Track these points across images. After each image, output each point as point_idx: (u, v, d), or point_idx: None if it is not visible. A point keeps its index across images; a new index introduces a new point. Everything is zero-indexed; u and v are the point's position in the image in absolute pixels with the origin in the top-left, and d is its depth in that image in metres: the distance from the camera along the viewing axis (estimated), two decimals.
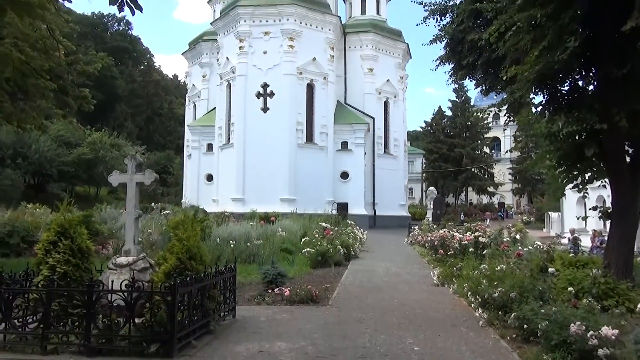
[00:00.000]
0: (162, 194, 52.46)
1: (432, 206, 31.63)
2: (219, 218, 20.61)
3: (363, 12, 41.63)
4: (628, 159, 7.69)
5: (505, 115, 10.66)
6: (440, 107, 64.47)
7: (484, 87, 10.49)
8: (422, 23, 11.07)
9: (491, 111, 9.52)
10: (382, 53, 39.54)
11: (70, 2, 11.60)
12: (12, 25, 10.61)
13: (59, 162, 38.25)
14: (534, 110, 8.29)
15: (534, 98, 8.39)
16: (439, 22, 10.93)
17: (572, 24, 6.48)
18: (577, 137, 7.93)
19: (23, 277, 6.07)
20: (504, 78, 7.49)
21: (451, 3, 10.77)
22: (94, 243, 8.76)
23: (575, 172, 8.26)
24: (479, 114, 52.14)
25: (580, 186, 8.48)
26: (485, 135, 61.79)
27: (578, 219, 13.98)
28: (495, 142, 71.08)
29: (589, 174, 8.34)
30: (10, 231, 13.77)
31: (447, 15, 10.84)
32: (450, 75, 11.02)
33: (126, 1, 3.66)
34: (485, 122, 58.75)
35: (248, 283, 10.71)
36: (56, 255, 5.86)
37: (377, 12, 41.64)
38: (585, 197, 10.69)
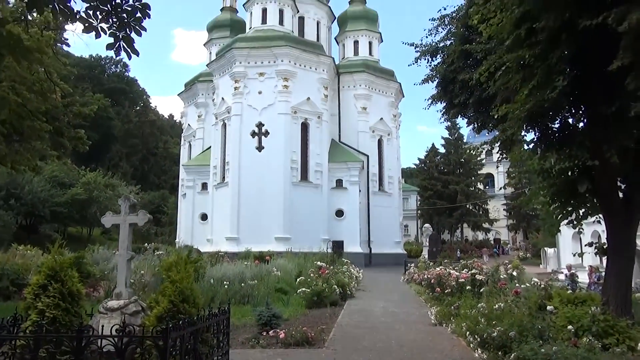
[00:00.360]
0: (155, 234, 51.99)
1: (427, 243, 31.46)
2: (213, 258, 20.37)
3: (356, 53, 42.62)
4: (621, 195, 7.73)
5: (497, 152, 10.79)
6: (433, 144, 65.18)
7: (476, 125, 10.65)
8: (413, 64, 11.35)
9: (484, 148, 9.63)
10: (375, 92, 40.25)
11: (69, 46, 11.82)
12: (9, 68, 10.75)
13: (52, 203, 37.97)
14: (526, 147, 8.37)
15: (526, 135, 8.51)
16: (430, 63, 11.21)
17: (560, 63, 6.65)
18: (569, 174, 8.00)
19: (10, 323, 5.89)
20: (496, 116, 7.60)
21: (441, 45, 11.08)
22: (85, 285, 8.59)
23: (570, 208, 8.29)
24: (472, 151, 52.70)
25: (575, 222, 8.48)
26: (479, 172, 62.22)
27: (574, 255, 13.92)
28: (489, 179, 71.52)
29: (583, 210, 8.36)
30: (0, 274, 13.51)
31: (438, 56, 11.13)
32: (442, 114, 11.22)
33: (123, 46, 3.73)
34: (479, 158, 59.31)
35: (242, 325, 10.47)
36: (45, 299, 5.72)
37: (370, 53, 42.63)
38: (581, 232, 10.69)
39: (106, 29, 3.72)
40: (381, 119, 40.16)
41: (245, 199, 32.50)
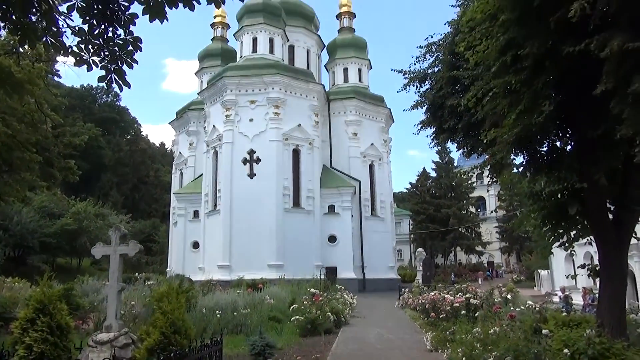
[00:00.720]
0: (146, 263, 51.33)
1: (421, 268, 31.31)
2: (205, 287, 20.12)
3: (346, 80, 43.19)
4: (611, 216, 7.79)
5: (488, 175, 10.88)
6: (424, 168, 65.66)
7: (465, 150, 10.74)
8: (402, 90, 11.48)
9: (474, 172, 9.71)
10: (365, 118, 40.64)
11: (60, 77, 11.87)
12: (0, 100, 10.77)
13: (41, 234, 37.46)
14: (515, 170, 8.45)
15: (515, 159, 8.60)
16: (419, 89, 11.36)
17: (545, 89, 6.78)
18: (559, 196, 8.07)
19: None
20: (484, 141, 7.69)
21: (430, 71, 11.26)
22: (74, 318, 8.42)
23: (561, 231, 8.32)
24: (462, 175, 53.10)
25: (567, 244, 8.51)
26: (470, 195, 62.56)
27: (567, 277, 13.91)
28: (481, 202, 71.86)
29: (574, 232, 8.40)
30: None
31: (427, 82, 11.29)
32: (432, 139, 11.31)
33: (114, 78, 3.75)
34: (470, 182, 59.69)
35: (235, 355, 10.28)
36: (33, 333, 5.61)
37: (359, 80, 43.22)
38: (573, 254, 10.72)
39: (98, 62, 3.75)
40: (372, 144, 40.44)
41: (237, 226, 32.32)
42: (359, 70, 43.73)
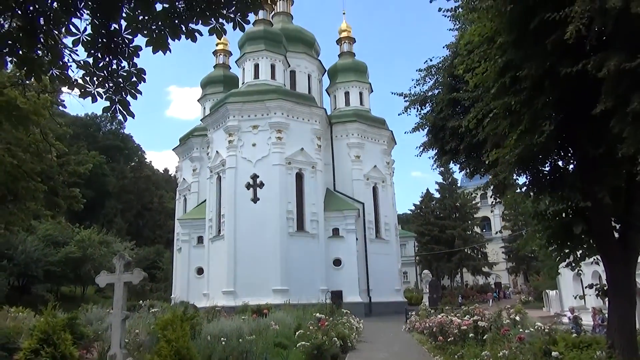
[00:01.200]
0: (150, 290, 50.94)
1: (428, 290, 31.02)
2: (209, 313, 19.92)
3: (347, 103, 43.56)
4: (617, 235, 7.75)
5: (491, 196, 10.87)
6: (428, 189, 65.58)
7: (468, 171, 10.77)
8: (403, 113, 11.58)
9: (477, 193, 9.70)
10: (367, 141, 40.84)
11: (65, 107, 12.03)
12: (6, 131, 10.90)
13: (45, 263, 37.35)
14: (518, 191, 8.45)
15: (517, 179, 8.61)
16: (420, 111, 11.46)
17: (545, 108, 6.83)
18: (564, 215, 8.04)
19: None
20: (487, 162, 7.72)
21: (430, 94, 11.37)
22: (78, 347, 8.35)
23: (567, 250, 8.27)
24: (467, 196, 53.00)
25: (574, 264, 8.44)
26: (475, 216, 62.29)
27: (576, 297, 13.73)
28: (485, 222, 71.51)
29: (581, 251, 8.34)
30: None
31: (427, 104, 11.39)
32: (434, 161, 11.35)
33: (118, 109, 3.82)
34: (474, 202, 59.51)
35: None
36: None
37: (361, 103, 43.58)
38: (580, 274, 10.61)
39: (102, 94, 3.82)
40: (375, 166, 40.53)
41: (242, 251, 32.21)
42: (360, 93, 44.13)
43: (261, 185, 33.56)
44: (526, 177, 7.91)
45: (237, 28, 3.81)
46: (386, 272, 38.43)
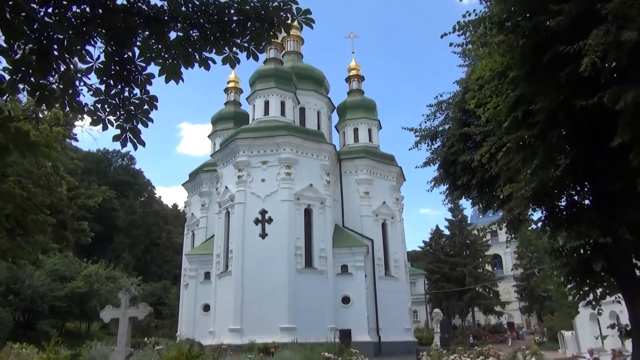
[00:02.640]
0: (156, 327, 50.19)
1: (439, 329, 30.15)
2: (215, 352, 19.45)
3: (356, 140, 43.75)
4: (638, 273, 7.48)
5: (506, 232, 10.65)
6: (437, 226, 64.89)
7: (480, 206, 10.61)
8: (414, 148, 11.55)
9: (491, 229, 9.47)
10: (376, 177, 40.75)
11: (77, 140, 12.11)
12: (17, 163, 10.97)
13: (51, 298, 37.06)
14: (534, 226, 8.25)
15: (532, 214, 8.43)
16: (430, 147, 11.42)
17: (560, 142, 6.73)
18: (582, 252, 7.80)
19: None
20: (501, 197, 7.58)
21: (440, 129, 11.36)
22: None
23: (586, 288, 7.98)
24: (480, 232, 52.35)
25: (594, 303, 8.13)
26: (486, 253, 61.33)
27: (597, 338, 13.23)
28: (497, 260, 70.39)
29: (600, 289, 8.05)
30: None
31: (438, 139, 11.37)
32: (446, 196, 11.22)
33: (129, 137, 3.77)
34: (485, 239, 58.68)
35: None
36: None
37: (370, 140, 43.75)
38: (601, 313, 10.22)
39: (113, 122, 3.79)
40: (384, 202, 40.27)
41: (249, 287, 31.74)
42: (369, 130, 44.37)
43: (270, 220, 33.37)
44: (542, 213, 7.74)
45: (251, 57, 3.80)
46: (396, 310, 37.58)
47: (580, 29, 5.75)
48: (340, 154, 40.76)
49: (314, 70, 46.34)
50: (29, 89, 3.34)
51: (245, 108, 44.50)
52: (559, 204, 7.70)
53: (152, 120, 3.80)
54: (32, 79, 3.25)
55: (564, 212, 7.58)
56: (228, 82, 48.79)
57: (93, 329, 47.89)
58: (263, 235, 33.21)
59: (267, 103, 38.17)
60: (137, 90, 3.72)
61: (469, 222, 61.69)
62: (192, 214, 44.25)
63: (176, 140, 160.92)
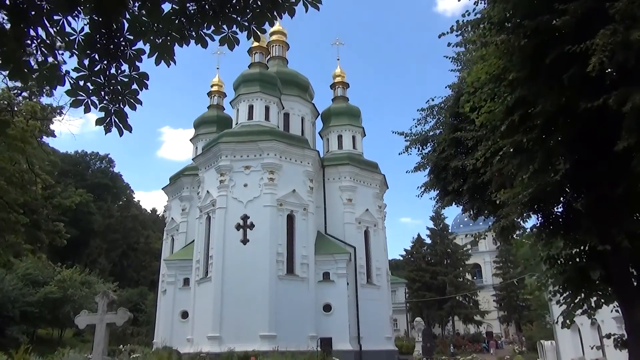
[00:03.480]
0: (132, 334, 49.03)
1: (421, 338, 30.01)
2: None
3: (340, 146, 43.58)
4: (635, 282, 7.34)
5: (493, 240, 10.49)
6: (419, 234, 65.14)
7: (471, 212, 10.44)
8: (404, 152, 11.35)
9: (482, 237, 9.25)
10: (360, 184, 40.58)
11: (55, 136, 11.53)
12: None
13: (22, 303, 35.78)
14: (528, 233, 8.07)
15: (526, 221, 8.25)
16: (421, 151, 11.23)
17: (560, 146, 6.57)
18: (578, 260, 7.64)
19: None
20: (497, 202, 7.38)
21: (431, 133, 11.18)
22: None
23: (582, 297, 7.82)
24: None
25: (590, 312, 7.96)
26: (466, 262, 61.64)
27: (592, 348, 13.14)
28: (476, 269, 70.87)
29: (595, 298, 7.89)
30: None
31: (428, 144, 11.19)
32: (436, 202, 11.03)
33: (114, 120, 3.39)
34: (465, 249, 59.00)
35: None
36: None
37: (354, 147, 43.62)
38: (597, 322, 10.07)
39: (97, 103, 3.41)
40: (367, 210, 40.10)
41: (229, 294, 31.10)
42: (353, 137, 44.24)
43: (251, 226, 32.85)
44: (537, 219, 7.55)
45: (252, 38, 3.48)
46: (377, 319, 37.28)
47: (585, 29, 5.60)
48: (324, 160, 40.51)
49: (299, 76, 46.13)
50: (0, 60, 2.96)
51: (229, 112, 44.01)
52: (556, 210, 7.54)
53: (140, 103, 3.42)
54: (3, 48, 2.87)
55: (560, 219, 7.42)
56: (212, 86, 48.24)
57: (66, 335, 46.51)
58: (244, 241, 32.67)
59: (251, 107, 37.74)
60: (125, 67, 3.36)
61: (450, 231, 61.97)
62: (172, 218, 43.39)
63: (157, 145, 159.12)
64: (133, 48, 3.29)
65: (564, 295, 7.84)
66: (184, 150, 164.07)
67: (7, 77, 3.29)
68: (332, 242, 36.84)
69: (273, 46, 47.22)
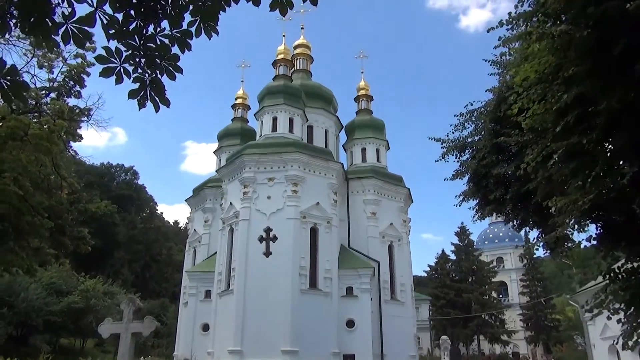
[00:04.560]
0: (152, 346, 48.83)
1: (447, 357, 28.96)
2: None
3: (364, 159, 43.08)
4: None
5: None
6: (443, 250, 63.77)
7: (515, 223, 9.81)
8: (440, 160, 10.81)
9: (538, 247, 8.58)
10: (384, 198, 39.92)
11: (82, 138, 11.23)
12: (14, 160, 10.17)
13: (46, 312, 35.87)
14: (585, 244, 7.42)
15: (583, 232, 7.60)
16: (459, 158, 10.68)
17: (624, 149, 5.97)
18: None
19: None
20: (546, 211, 6.79)
21: (470, 140, 10.63)
22: None
23: None
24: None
25: None
26: (492, 280, 60.01)
27: None
28: (502, 287, 69.04)
29: None
30: None
31: (467, 151, 10.63)
32: (475, 211, 10.42)
33: (149, 93, 2.95)
34: (491, 266, 57.47)
35: None
36: None
37: (377, 160, 43.07)
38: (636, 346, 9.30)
39: (130, 71, 2.99)
40: (391, 224, 39.35)
41: (251, 307, 30.61)
42: (377, 150, 43.73)
43: (274, 239, 32.42)
44: (596, 228, 6.91)
45: (309, 1, 3.04)
46: (401, 336, 36.26)
47: None
48: (347, 173, 40.01)
49: (323, 88, 45.96)
50: (18, 16, 2.56)
51: (253, 125, 44.00)
52: (616, 218, 6.90)
53: (181, 70, 2.94)
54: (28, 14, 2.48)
55: (622, 228, 6.77)
56: (236, 98, 48.44)
57: (88, 345, 46.57)
58: (267, 253, 32.23)
59: (275, 119, 37.60)
60: (165, 24, 2.89)
61: (475, 247, 60.53)
62: (194, 230, 43.31)
63: (180, 159, 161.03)
64: (174, 2, 2.81)
65: (628, 313, 7.14)
66: (207, 163, 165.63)
67: (30, 45, 2.90)
68: (356, 256, 36.13)
69: (297, 59, 47.27)
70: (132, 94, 2.94)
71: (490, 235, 77.45)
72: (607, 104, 5.78)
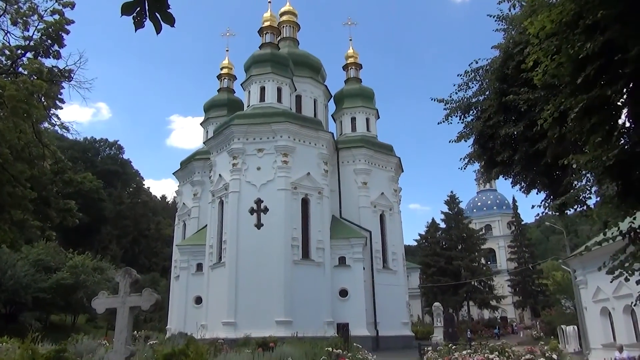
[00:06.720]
0: (144, 320, 48.75)
1: (442, 324, 29.20)
2: (212, 347, 18.20)
3: (353, 129, 42.56)
4: None
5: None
6: (433, 219, 64.08)
7: (523, 185, 9.45)
8: (444, 121, 10.34)
9: (553, 209, 8.21)
10: (375, 167, 39.62)
11: (64, 102, 10.44)
12: None
13: (35, 289, 35.33)
14: (592, 205, 7.11)
15: (590, 196, 7.27)
16: (463, 119, 10.22)
17: None
18: None
19: None
20: (574, 165, 6.41)
21: (474, 100, 10.15)
22: None
23: None
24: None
25: None
26: (481, 247, 60.67)
27: None
28: (491, 254, 70.00)
29: None
30: None
31: (472, 111, 10.17)
32: (481, 174, 10.05)
33: (148, 12, 2.37)
34: (480, 233, 57.98)
35: None
36: None
37: (367, 129, 42.59)
38: (628, 307, 9.14)
39: None
40: (382, 193, 39.18)
41: (244, 279, 30.46)
42: (367, 119, 43.18)
43: (265, 210, 32.07)
44: (617, 186, 6.56)
45: None
46: (394, 304, 36.58)
47: None
48: (337, 143, 39.52)
49: (311, 57, 44.95)
50: None
51: (240, 95, 43.06)
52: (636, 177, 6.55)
53: None
54: None
55: None
56: (221, 69, 47.17)
57: (79, 321, 46.33)
58: (258, 225, 31.92)
59: (263, 89, 36.73)
60: None
61: (464, 215, 60.92)
62: (183, 203, 42.74)
63: (166, 133, 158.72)
64: None
65: None
66: (194, 137, 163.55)
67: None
68: (348, 226, 36.02)
69: (284, 27, 46.04)
70: (126, 8, 2.34)
71: (479, 203, 78.05)
72: (636, 51, 5.34)
